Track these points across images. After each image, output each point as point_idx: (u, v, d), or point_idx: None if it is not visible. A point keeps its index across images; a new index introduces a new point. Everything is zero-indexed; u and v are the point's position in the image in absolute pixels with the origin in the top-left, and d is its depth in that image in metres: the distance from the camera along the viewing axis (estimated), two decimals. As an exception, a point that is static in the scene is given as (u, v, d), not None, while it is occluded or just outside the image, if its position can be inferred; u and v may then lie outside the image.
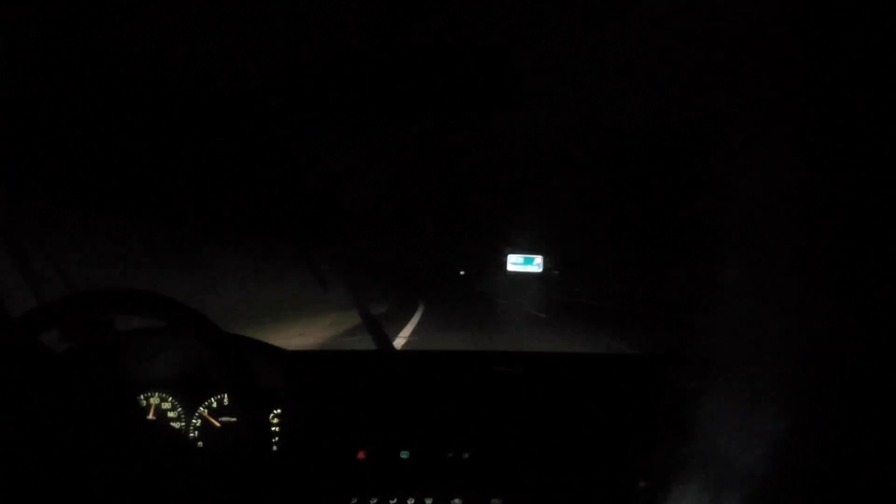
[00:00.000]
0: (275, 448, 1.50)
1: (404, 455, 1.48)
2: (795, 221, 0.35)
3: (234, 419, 1.57)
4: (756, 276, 0.37)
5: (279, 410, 1.53)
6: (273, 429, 1.52)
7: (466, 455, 1.48)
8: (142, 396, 1.59)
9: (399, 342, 7.30)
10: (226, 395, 1.58)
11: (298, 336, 7.59)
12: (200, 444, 1.56)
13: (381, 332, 1.77)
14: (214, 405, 1.58)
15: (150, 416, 1.58)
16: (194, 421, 1.57)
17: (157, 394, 1.59)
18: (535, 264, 15.56)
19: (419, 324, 10.46)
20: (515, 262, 15.66)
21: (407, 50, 1.10)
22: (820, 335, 0.33)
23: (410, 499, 1.43)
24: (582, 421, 1.52)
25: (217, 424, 1.57)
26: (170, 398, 1.59)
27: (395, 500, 1.42)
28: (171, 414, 1.58)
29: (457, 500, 1.43)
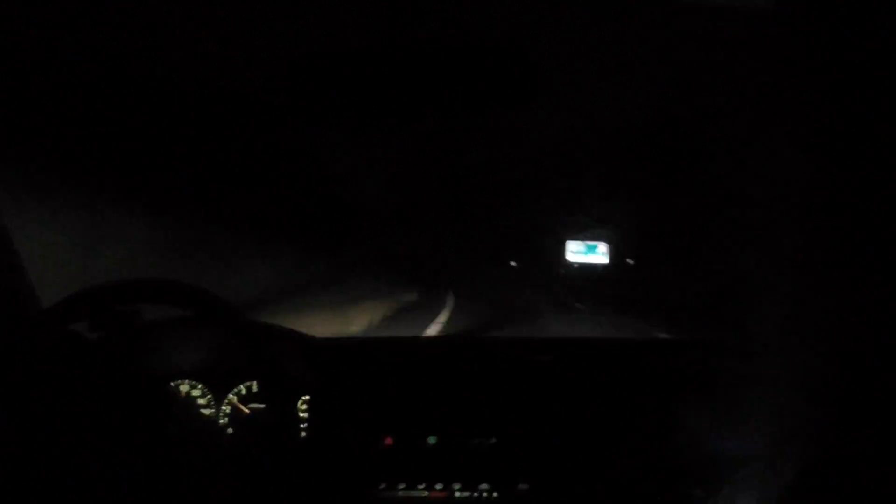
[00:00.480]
0: (303, 434, 1.52)
1: (431, 441, 1.48)
2: (825, 217, 0.35)
3: (263, 406, 1.58)
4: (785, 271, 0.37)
5: (308, 397, 1.54)
6: (301, 415, 1.53)
7: (493, 440, 1.47)
8: (171, 384, 1.61)
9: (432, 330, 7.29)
10: (255, 383, 1.59)
11: (334, 324, 7.66)
12: (230, 430, 1.58)
13: (410, 320, 1.77)
14: (244, 392, 1.60)
15: (182, 402, 1.60)
16: (224, 408, 1.59)
17: (186, 381, 1.61)
18: (600, 252, 13.02)
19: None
20: (577, 251, 13.15)
21: (419, 47, 1.09)
22: (846, 330, 0.33)
23: (438, 484, 1.43)
24: (609, 407, 1.51)
25: (246, 411, 1.58)
26: (199, 386, 1.61)
27: (422, 486, 1.43)
28: (200, 401, 1.60)
29: (484, 486, 1.43)
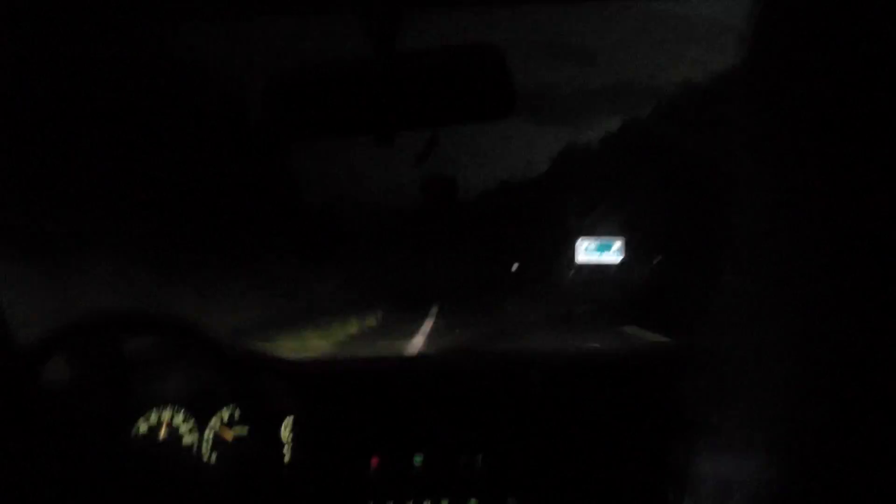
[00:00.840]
0: (287, 458, 1.50)
1: (418, 460, 1.47)
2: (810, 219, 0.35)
3: (245, 430, 1.56)
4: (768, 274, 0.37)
5: (291, 419, 1.52)
6: (286, 439, 1.52)
7: (480, 458, 1.47)
8: (153, 412, 1.58)
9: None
10: (237, 407, 1.57)
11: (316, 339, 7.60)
12: (213, 456, 1.55)
13: (391, 338, 1.76)
14: (226, 417, 1.58)
15: (162, 433, 1.58)
16: (206, 434, 1.57)
17: (168, 408, 1.59)
18: (616, 251, 10.81)
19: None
20: (589, 249, 10.92)
21: (398, 60, 1.09)
22: (824, 333, 0.33)
23: (426, 502, 1.42)
24: (597, 421, 1.51)
25: (229, 436, 1.56)
26: (181, 411, 1.58)
27: None
28: (182, 428, 1.58)
29: (472, 502, 1.42)
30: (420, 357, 1.72)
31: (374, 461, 1.47)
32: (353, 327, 9.42)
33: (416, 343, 7.57)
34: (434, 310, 13.23)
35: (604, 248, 11.03)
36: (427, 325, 10.31)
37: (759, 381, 0.37)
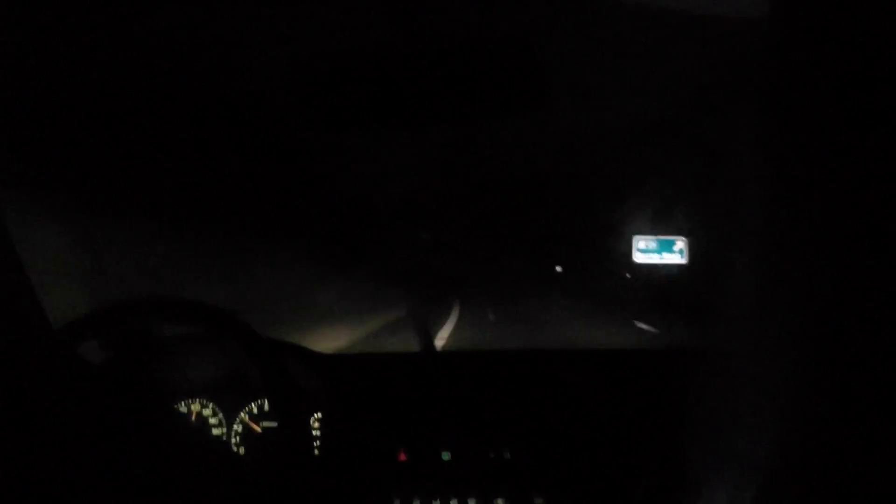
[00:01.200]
0: (317, 452, 1.50)
1: (445, 456, 1.46)
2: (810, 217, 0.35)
3: (274, 424, 1.57)
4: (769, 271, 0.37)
5: (320, 414, 1.52)
6: (315, 433, 1.52)
7: (508, 455, 1.45)
8: (182, 403, 1.59)
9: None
10: (266, 400, 1.57)
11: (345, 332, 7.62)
12: (242, 449, 1.56)
13: (422, 332, 1.75)
14: (255, 410, 1.58)
15: (191, 423, 1.59)
16: (235, 427, 1.57)
17: (197, 400, 1.59)
18: (678, 251, 9.61)
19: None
20: (647, 249, 9.68)
21: (434, 50, 1.08)
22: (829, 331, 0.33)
23: (453, 499, 1.41)
24: (624, 419, 1.48)
25: (258, 430, 1.57)
26: (210, 404, 1.59)
27: (437, 501, 1.40)
28: (212, 420, 1.58)
29: (499, 500, 1.40)
30: (449, 353, 1.71)
31: (402, 456, 1.46)
32: (381, 321, 9.43)
33: (443, 337, 7.58)
34: (457, 307, 13.15)
35: (665, 247, 10.00)
36: (453, 320, 10.29)
37: (771, 380, 0.37)
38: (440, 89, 1.10)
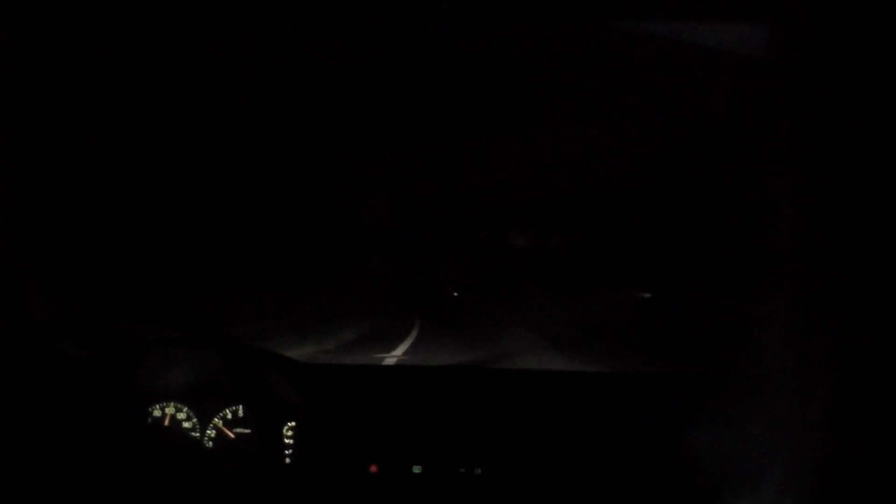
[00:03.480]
0: (288, 460, 1.51)
1: (416, 470, 1.47)
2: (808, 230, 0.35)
3: (248, 431, 1.57)
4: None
5: (293, 423, 1.53)
6: (287, 441, 1.52)
7: (479, 471, 1.47)
8: (157, 406, 1.59)
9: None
10: (241, 407, 1.58)
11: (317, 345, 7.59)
12: (214, 454, 1.56)
13: (394, 346, 1.77)
14: (229, 416, 1.58)
15: (165, 426, 1.59)
16: (209, 432, 1.58)
17: (172, 404, 1.60)
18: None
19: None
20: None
21: (424, 67, 1.11)
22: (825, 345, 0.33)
23: None
24: (596, 439, 1.51)
25: (231, 436, 1.57)
26: (185, 408, 1.60)
27: None
28: (185, 424, 1.59)
29: None
30: (425, 368, 1.73)
31: (373, 468, 1.48)
32: (353, 333, 9.41)
33: (397, 354, 7.57)
34: (417, 324, 13.17)
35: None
36: (412, 336, 10.30)
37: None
38: (432, 106, 1.13)
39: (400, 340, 9.08)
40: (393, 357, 7.40)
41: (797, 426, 0.35)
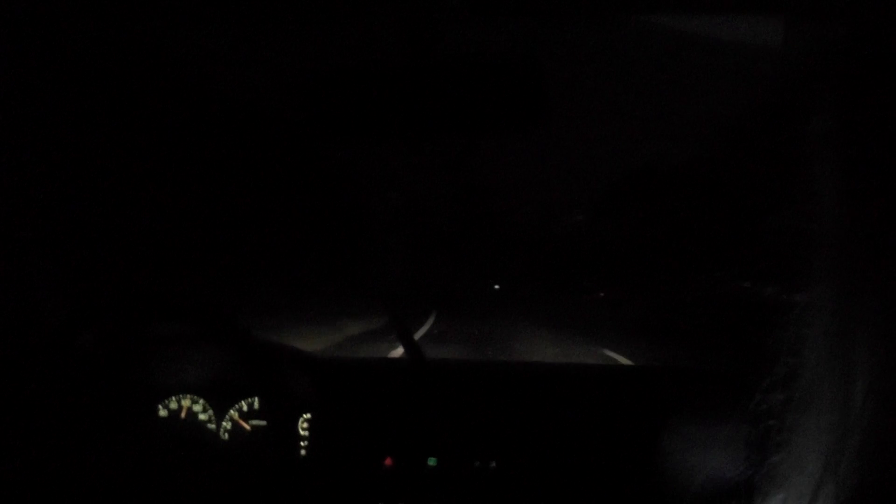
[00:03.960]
0: (303, 452, 1.52)
1: (431, 463, 1.48)
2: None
3: (263, 423, 1.58)
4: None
5: (308, 416, 1.54)
6: (302, 434, 1.53)
7: (494, 464, 1.47)
8: (174, 398, 1.61)
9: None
10: (256, 399, 1.59)
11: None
12: (230, 446, 1.57)
13: (411, 340, 1.77)
14: (245, 409, 1.59)
15: (182, 418, 1.60)
16: (225, 424, 1.59)
17: (188, 396, 1.61)
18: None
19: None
20: None
21: (433, 65, 1.10)
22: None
23: None
24: (609, 433, 1.50)
25: (247, 428, 1.58)
26: (201, 401, 1.61)
27: None
28: (202, 416, 1.60)
29: None
30: (439, 362, 1.73)
31: (388, 461, 1.48)
32: (361, 327, 9.46)
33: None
34: (433, 317, 13.30)
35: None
36: (424, 329, 10.40)
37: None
38: (443, 104, 1.12)
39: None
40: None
41: (835, 422, 0.35)
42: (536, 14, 1.26)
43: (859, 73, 0.34)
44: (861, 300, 0.33)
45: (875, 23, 0.34)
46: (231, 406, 1.60)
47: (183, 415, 1.61)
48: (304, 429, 1.54)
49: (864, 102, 0.33)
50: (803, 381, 0.37)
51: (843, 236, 0.35)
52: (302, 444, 1.52)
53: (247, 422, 1.59)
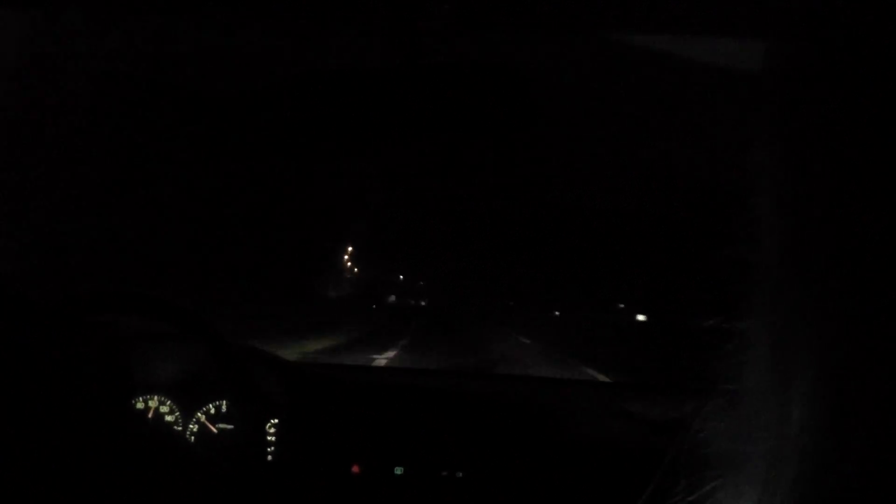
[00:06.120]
0: (270, 458, 1.51)
1: (398, 471, 1.48)
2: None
3: (231, 427, 1.57)
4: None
5: (277, 420, 1.53)
6: (270, 438, 1.52)
7: (460, 474, 1.48)
8: (140, 399, 1.59)
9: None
10: (224, 402, 1.58)
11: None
12: (196, 449, 1.56)
13: (379, 348, 1.77)
14: (213, 411, 1.58)
15: (148, 419, 1.58)
16: (192, 426, 1.57)
17: (155, 397, 1.59)
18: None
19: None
20: None
21: (420, 69, 1.12)
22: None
23: None
24: (576, 445, 1.52)
25: (214, 431, 1.57)
26: (168, 402, 1.59)
27: None
28: (168, 418, 1.58)
29: None
30: (409, 371, 1.73)
31: (355, 468, 1.48)
32: (338, 339, 9.40)
33: (388, 356, 7.63)
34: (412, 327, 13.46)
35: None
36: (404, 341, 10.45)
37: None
38: (429, 108, 1.13)
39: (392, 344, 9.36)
40: (384, 359, 7.47)
41: (772, 450, 0.35)
42: (521, 27, 1.28)
43: (793, 102, 0.36)
44: (798, 332, 0.34)
45: (800, 45, 0.35)
46: (199, 409, 1.58)
47: (150, 416, 1.59)
48: (271, 434, 1.53)
49: (799, 132, 0.35)
50: (741, 410, 0.38)
51: (782, 269, 0.36)
52: (269, 449, 1.52)
53: (214, 425, 1.58)
